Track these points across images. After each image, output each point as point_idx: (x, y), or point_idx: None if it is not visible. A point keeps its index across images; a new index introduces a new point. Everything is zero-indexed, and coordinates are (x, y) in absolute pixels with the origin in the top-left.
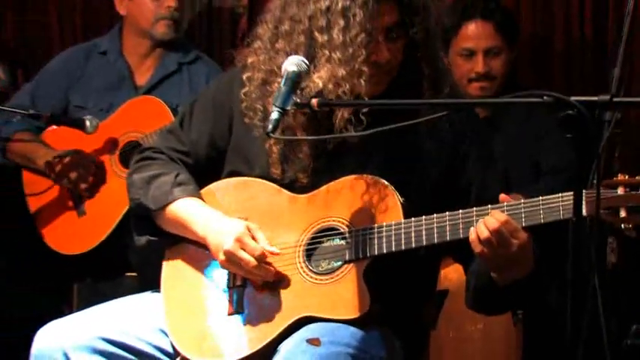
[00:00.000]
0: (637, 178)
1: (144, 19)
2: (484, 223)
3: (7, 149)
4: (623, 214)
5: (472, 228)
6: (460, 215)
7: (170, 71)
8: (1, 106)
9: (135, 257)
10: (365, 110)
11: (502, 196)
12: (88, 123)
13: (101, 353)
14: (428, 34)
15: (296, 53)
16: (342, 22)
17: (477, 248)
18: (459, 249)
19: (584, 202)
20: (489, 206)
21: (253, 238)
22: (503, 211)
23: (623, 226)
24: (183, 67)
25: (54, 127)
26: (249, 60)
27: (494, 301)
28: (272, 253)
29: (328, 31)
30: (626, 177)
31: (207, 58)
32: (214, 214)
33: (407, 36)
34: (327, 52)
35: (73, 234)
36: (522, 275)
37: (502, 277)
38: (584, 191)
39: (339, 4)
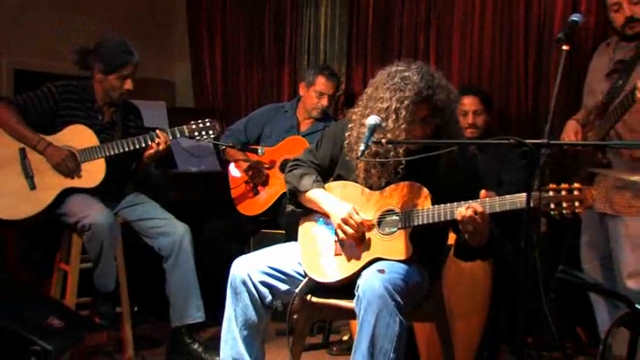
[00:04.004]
0: (561, 186)
1: (308, 104)
2: (465, 209)
3: (225, 155)
4: (552, 206)
5: (458, 210)
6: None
7: (319, 129)
8: (216, 142)
9: (283, 221)
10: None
11: (482, 192)
12: (259, 151)
13: (267, 274)
14: (447, 120)
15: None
16: (394, 116)
17: (459, 222)
18: (456, 224)
19: (532, 199)
20: (479, 200)
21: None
22: (485, 204)
23: (551, 212)
24: (325, 128)
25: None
26: (352, 117)
27: (470, 255)
28: (366, 222)
29: (386, 119)
30: (554, 186)
31: None
32: (335, 198)
33: (434, 121)
34: (384, 130)
35: (251, 205)
36: (483, 242)
37: (473, 241)
38: (532, 193)
39: (393, 106)
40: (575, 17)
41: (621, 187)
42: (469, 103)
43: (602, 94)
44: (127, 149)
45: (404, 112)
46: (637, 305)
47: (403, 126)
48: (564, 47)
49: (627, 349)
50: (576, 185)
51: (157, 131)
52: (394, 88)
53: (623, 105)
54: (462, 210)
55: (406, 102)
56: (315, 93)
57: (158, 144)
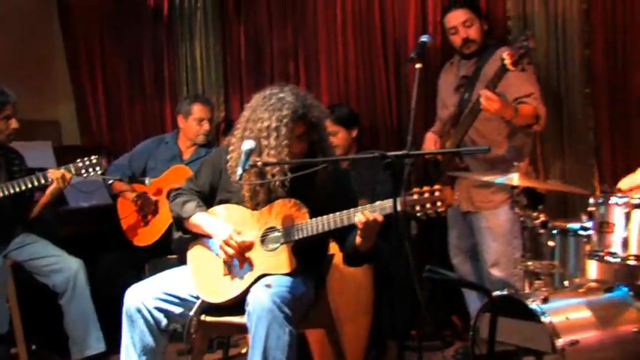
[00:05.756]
0: (423, 189)
1: (192, 133)
2: (364, 215)
3: (112, 188)
4: (418, 208)
5: (357, 216)
6: (346, 214)
7: (201, 156)
8: (104, 176)
9: (174, 246)
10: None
11: (362, 202)
12: (146, 181)
13: (161, 299)
14: (320, 136)
15: (254, 139)
16: (274, 134)
17: (359, 227)
18: (337, 234)
19: (399, 204)
20: (353, 209)
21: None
22: (358, 212)
23: (418, 214)
24: (207, 153)
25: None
26: (232, 140)
27: (358, 260)
28: (246, 242)
29: (268, 138)
30: (417, 189)
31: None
32: (217, 220)
33: (310, 138)
34: (266, 149)
35: (144, 236)
36: (373, 244)
37: (364, 246)
38: (398, 198)
39: (273, 125)
40: (424, 38)
41: (480, 186)
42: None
43: (454, 107)
44: (12, 192)
45: (284, 130)
46: (497, 292)
47: (284, 142)
48: (417, 65)
49: (489, 330)
50: (436, 187)
51: (50, 170)
52: (272, 109)
53: (472, 114)
54: (361, 217)
55: (285, 120)
56: (195, 121)
57: (63, 178)
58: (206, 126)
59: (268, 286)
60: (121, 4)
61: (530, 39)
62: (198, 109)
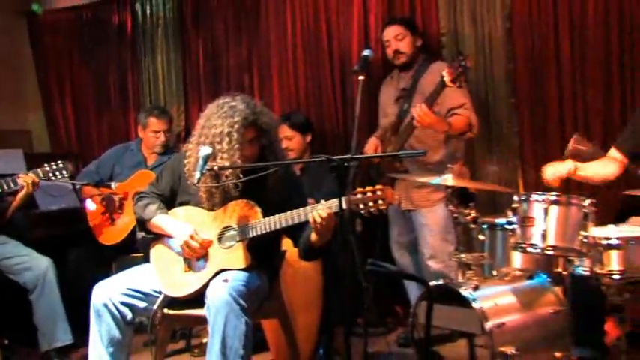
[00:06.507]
0: (366, 189)
1: (149, 144)
2: (318, 213)
3: (82, 193)
4: (361, 206)
5: (313, 214)
6: (295, 213)
7: (164, 162)
8: (73, 182)
9: (139, 245)
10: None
11: (311, 201)
12: (112, 186)
13: (127, 295)
14: (270, 140)
15: (209, 145)
16: (227, 139)
17: (313, 224)
18: (290, 231)
19: (344, 202)
20: (302, 209)
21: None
22: (307, 211)
23: (362, 212)
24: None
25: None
26: (189, 147)
27: (313, 254)
28: (207, 240)
29: (221, 143)
30: (361, 190)
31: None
32: (177, 222)
33: (261, 142)
34: (220, 152)
35: (111, 235)
36: (328, 240)
37: (319, 241)
38: (343, 197)
39: (226, 131)
40: (366, 52)
41: (418, 186)
42: (282, 130)
43: (394, 116)
44: None
45: (236, 135)
46: (434, 282)
47: (236, 146)
48: (360, 77)
49: (425, 316)
50: (378, 187)
51: (21, 175)
52: (224, 116)
53: (411, 123)
54: (315, 215)
55: (236, 126)
56: (151, 133)
57: (34, 183)
58: (162, 137)
59: (225, 280)
60: (88, 20)
61: (467, 59)
62: (153, 123)
